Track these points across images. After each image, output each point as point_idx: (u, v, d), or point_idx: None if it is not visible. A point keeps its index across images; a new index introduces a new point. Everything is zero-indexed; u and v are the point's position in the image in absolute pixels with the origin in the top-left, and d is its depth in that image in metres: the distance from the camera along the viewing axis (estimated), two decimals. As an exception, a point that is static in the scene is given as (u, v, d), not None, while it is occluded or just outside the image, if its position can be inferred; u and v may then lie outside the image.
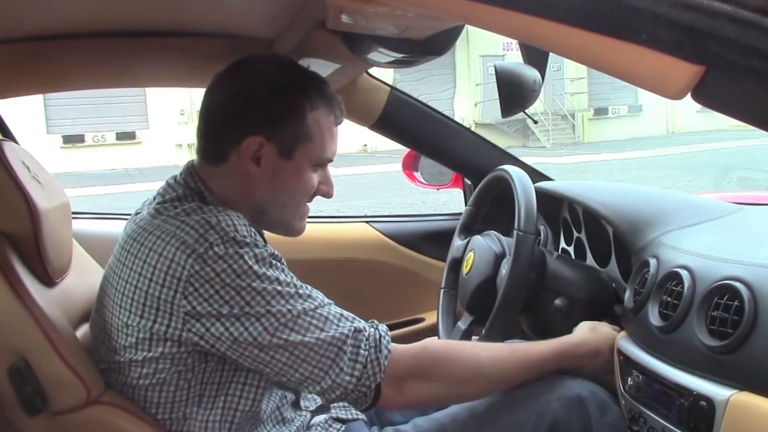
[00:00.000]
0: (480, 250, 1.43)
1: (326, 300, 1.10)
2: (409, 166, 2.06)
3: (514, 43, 1.03)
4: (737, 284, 0.95)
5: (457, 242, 1.57)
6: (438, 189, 2.12)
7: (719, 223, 1.29)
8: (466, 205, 1.69)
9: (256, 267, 1.04)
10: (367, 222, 2.02)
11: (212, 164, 1.17)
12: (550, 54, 1.30)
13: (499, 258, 1.37)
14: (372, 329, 1.09)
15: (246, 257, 1.04)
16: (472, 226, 1.57)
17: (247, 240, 1.06)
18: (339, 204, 9.78)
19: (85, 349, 1.18)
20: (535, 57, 1.41)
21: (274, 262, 1.07)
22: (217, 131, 1.16)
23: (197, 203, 1.12)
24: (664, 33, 0.54)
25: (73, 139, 18.54)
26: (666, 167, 13.07)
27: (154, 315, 1.06)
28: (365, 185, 12.38)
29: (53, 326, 1.14)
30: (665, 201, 1.47)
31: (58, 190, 1.34)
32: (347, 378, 1.05)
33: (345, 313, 1.10)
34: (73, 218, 1.42)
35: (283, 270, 1.08)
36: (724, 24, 0.52)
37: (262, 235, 1.29)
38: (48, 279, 1.22)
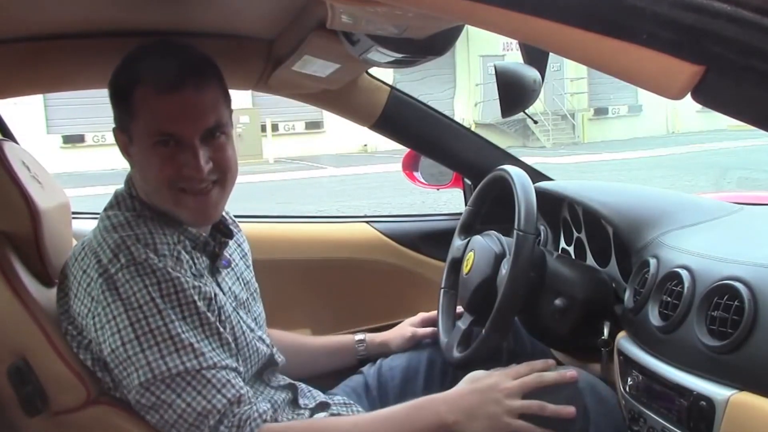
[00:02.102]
0: (480, 250, 1.43)
1: (216, 359, 1.06)
2: (409, 166, 2.06)
3: (514, 43, 1.03)
4: (737, 284, 0.95)
5: (457, 242, 1.57)
6: (438, 189, 2.12)
7: (719, 223, 1.29)
8: (466, 205, 1.69)
9: (158, 300, 1.04)
10: (367, 222, 2.02)
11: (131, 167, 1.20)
12: (550, 54, 1.30)
13: (499, 258, 1.37)
14: (244, 412, 1.05)
15: (150, 289, 1.04)
16: (472, 226, 1.57)
17: (158, 265, 1.05)
18: (339, 204, 9.78)
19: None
20: (535, 57, 1.41)
21: (179, 295, 1.06)
22: None
23: (131, 213, 1.15)
24: (664, 33, 0.54)
25: (73, 139, 18.54)
26: (666, 167, 13.06)
27: (84, 332, 1.11)
28: (365, 185, 12.38)
29: (53, 326, 1.14)
30: (665, 201, 1.47)
31: (58, 190, 1.34)
32: None
33: (231, 382, 1.06)
34: (73, 218, 1.42)
35: (187, 304, 1.06)
36: (724, 24, 0.52)
37: (226, 226, 1.29)
38: (48, 279, 1.22)
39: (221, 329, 1.09)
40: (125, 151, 1.18)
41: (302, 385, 1.36)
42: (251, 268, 1.39)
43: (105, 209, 1.19)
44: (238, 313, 1.22)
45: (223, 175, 1.16)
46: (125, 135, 1.16)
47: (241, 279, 1.31)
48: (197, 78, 1.12)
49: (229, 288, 1.24)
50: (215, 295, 1.15)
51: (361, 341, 1.56)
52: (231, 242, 1.29)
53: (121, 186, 1.22)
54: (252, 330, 1.26)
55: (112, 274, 1.05)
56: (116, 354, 1.05)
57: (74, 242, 1.37)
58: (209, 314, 1.08)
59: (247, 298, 1.31)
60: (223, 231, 1.28)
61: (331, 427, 1.13)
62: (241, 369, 1.11)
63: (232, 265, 1.30)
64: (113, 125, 1.18)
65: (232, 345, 1.11)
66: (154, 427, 1.10)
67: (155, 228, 1.12)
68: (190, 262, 1.15)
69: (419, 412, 1.13)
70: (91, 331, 1.09)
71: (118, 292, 1.04)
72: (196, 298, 1.08)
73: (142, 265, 1.05)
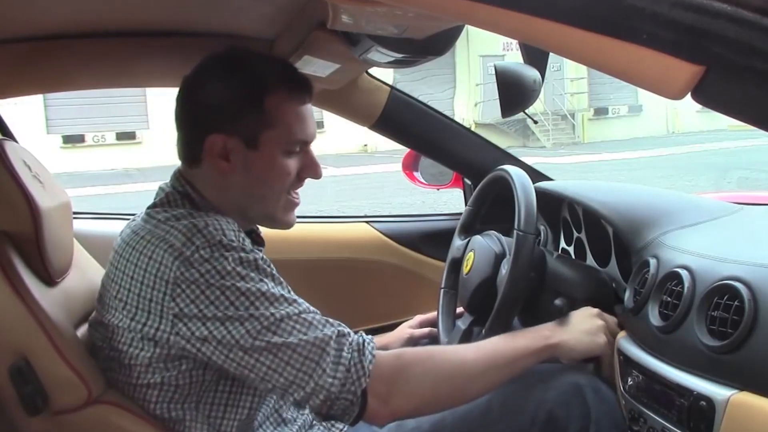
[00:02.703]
0: (480, 250, 1.43)
1: (311, 308, 1.09)
2: (409, 166, 2.06)
3: (514, 43, 1.03)
4: (737, 284, 0.95)
5: (457, 242, 1.57)
6: (438, 189, 2.12)
7: (719, 223, 1.29)
8: (466, 205, 1.69)
9: (239, 269, 1.04)
10: (367, 222, 2.02)
11: (191, 167, 1.19)
12: (550, 54, 1.30)
13: (499, 258, 1.37)
14: (356, 336, 1.08)
15: (230, 259, 1.04)
16: (472, 226, 1.57)
17: (234, 244, 1.06)
18: (339, 204, 9.78)
19: (86, 349, 1.18)
20: (535, 57, 1.41)
21: (260, 265, 1.07)
22: (184, 136, 1.19)
23: (187, 209, 1.14)
24: (664, 33, 0.54)
25: (73, 139, 18.54)
26: (666, 167, 13.06)
27: (144, 317, 1.07)
28: (365, 185, 12.38)
29: (54, 326, 1.14)
30: (665, 201, 1.47)
31: (59, 190, 1.34)
32: (330, 380, 1.03)
33: (330, 319, 1.09)
34: (74, 218, 1.42)
35: (270, 275, 1.08)
36: (724, 24, 0.52)
37: (258, 235, 1.31)
38: (49, 279, 1.22)
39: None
40: (224, 156, 1.14)
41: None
42: None
43: (153, 206, 1.17)
44: None
45: None
46: (238, 140, 1.14)
47: None
48: (312, 90, 1.20)
49: None
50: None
51: None
52: None
53: (164, 182, 1.21)
54: None
55: (188, 256, 1.04)
56: (211, 323, 1.02)
57: (75, 242, 1.38)
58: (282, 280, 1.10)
59: None
60: (255, 239, 1.30)
61: (450, 350, 1.21)
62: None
63: None
64: (203, 130, 1.15)
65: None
66: (152, 420, 1.09)
67: (219, 218, 1.10)
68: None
69: (527, 332, 1.21)
70: (167, 315, 1.05)
71: (200, 270, 1.03)
72: (272, 269, 1.09)
73: (216, 245, 1.05)
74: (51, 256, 1.21)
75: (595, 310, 1.26)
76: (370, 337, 1.10)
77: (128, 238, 1.13)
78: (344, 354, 1.04)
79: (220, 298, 1.03)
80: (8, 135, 1.61)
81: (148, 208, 1.18)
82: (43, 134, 17.20)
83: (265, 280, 1.06)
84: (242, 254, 1.06)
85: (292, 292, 1.09)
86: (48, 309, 1.15)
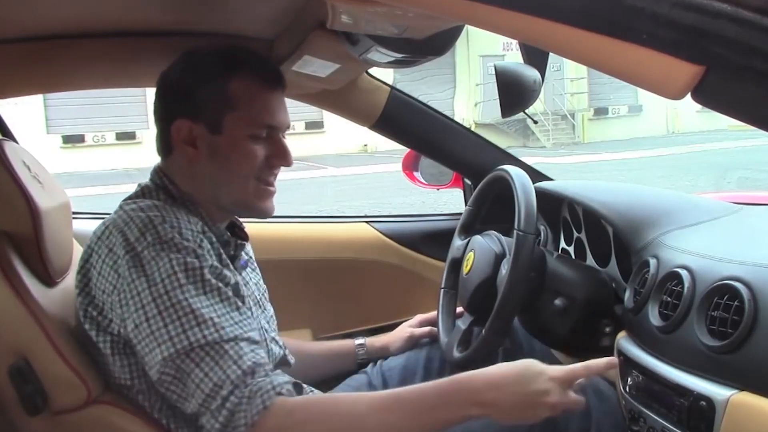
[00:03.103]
0: (480, 250, 1.43)
1: (240, 331, 1.04)
2: (409, 166, 2.06)
3: (514, 43, 1.03)
4: (737, 284, 0.95)
5: (457, 242, 1.57)
6: (438, 189, 2.12)
7: (719, 223, 1.29)
8: (466, 205, 1.69)
9: (181, 276, 1.04)
10: (367, 222, 2.02)
11: (166, 158, 1.21)
12: (550, 54, 1.30)
13: (499, 258, 1.37)
14: (263, 379, 1.01)
15: (174, 263, 1.04)
16: (472, 226, 1.57)
17: (185, 244, 1.06)
18: (339, 204, 9.78)
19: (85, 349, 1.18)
20: (535, 57, 1.41)
21: (205, 275, 1.06)
22: (158, 126, 1.22)
23: (161, 201, 1.15)
24: (664, 33, 0.54)
25: (73, 139, 18.53)
26: (666, 167, 13.06)
27: (106, 311, 1.10)
28: (365, 185, 12.38)
29: (54, 326, 1.14)
30: (665, 201, 1.47)
31: (58, 190, 1.34)
32: (212, 421, 1.00)
33: (247, 353, 1.02)
34: (74, 218, 1.42)
35: (212, 288, 1.06)
36: (724, 24, 0.52)
37: (241, 230, 1.31)
38: (49, 279, 1.22)
39: (239, 304, 1.09)
40: (189, 142, 1.16)
41: (305, 386, 1.36)
42: (257, 270, 1.40)
43: (128, 198, 1.19)
44: (255, 312, 1.23)
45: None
46: (202, 125, 1.16)
47: (252, 281, 1.32)
48: (284, 80, 1.22)
49: (245, 287, 1.25)
50: (237, 283, 1.15)
51: (361, 345, 1.56)
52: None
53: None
54: (266, 330, 1.26)
55: (138, 251, 1.05)
56: (140, 329, 1.04)
57: (75, 242, 1.38)
58: (228, 291, 1.09)
59: (260, 299, 1.32)
60: (238, 234, 1.30)
61: (346, 405, 1.07)
62: (261, 342, 1.10)
63: (246, 267, 1.31)
64: (169, 116, 1.18)
65: (254, 320, 1.12)
66: (175, 404, 1.08)
67: (181, 216, 1.12)
68: (218, 251, 1.15)
69: (451, 399, 1.04)
70: (115, 308, 1.08)
71: (144, 269, 1.04)
72: (215, 276, 1.08)
73: (168, 243, 1.05)
74: (51, 257, 1.21)
75: (550, 369, 1.05)
76: (279, 384, 1.01)
77: (98, 230, 1.15)
78: (232, 399, 0.99)
79: (150, 304, 1.03)
80: (8, 135, 1.61)
81: (122, 200, 1.19)
82: (43, 134, 17.20)
83: (202, 295, 1.04)
84: (189, 259, 1.05)
85: (225, 302, 1.06)
86: (48, 309, 1.16)
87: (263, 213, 1.23)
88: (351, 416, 1.03)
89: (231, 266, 1.18)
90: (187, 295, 1.03)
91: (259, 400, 0.99)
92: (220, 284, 1.08)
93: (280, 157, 1.19)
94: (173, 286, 1.03)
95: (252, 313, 1.18)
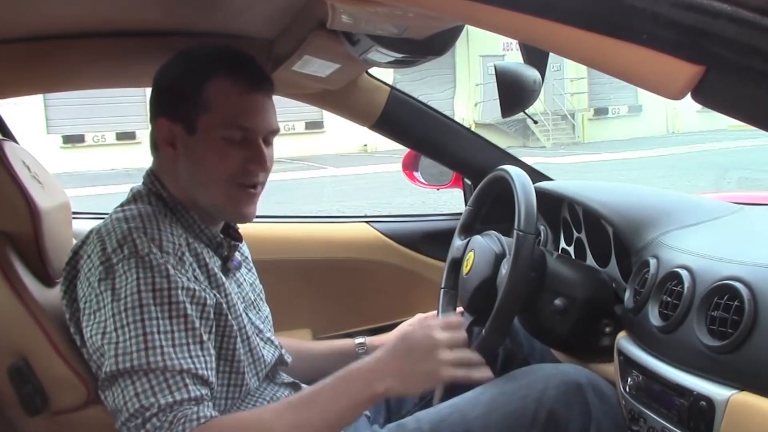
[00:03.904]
0: (480, 250, 1.43)
1: (191, 366, 1.02)
2: (409, 166, 2.06)
3: (514, 43, 1.03)
4: (737, 284, 0.95)
5: (457, 242, 1.57)
6: (438, 189, 2.12)
7: (719, 223, 1.29)
8: (466, 205, 1.69)
9: (148, 295, 1.03)
10: (367, 222, 2.02)
11: (155, 158, 1.21)
12: (550, 54, 1.30)
13: (499, 258, 1.37)
14: (188, 408, 1.00)
15: (142, 283, 1.03)
16: (472, 226, 1.57)
17: (160, 260, 1.05)
18: (339, 204, 9.78)
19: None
20: (535, 57, 1.41)
21: (172, 297, 1.05)
22: (150, 124, 1.22)
23: (145, 206, 1.15)
24: (664, 33, 0.54)
25: (73, 139, 18.54)
26: (666, 167, 13.06)
27: (82, 315, 1.10)
28: (365, 185, 12.38)
29: (54, 326, 1.14)
30: (665, 201, 1.47)
31: (58, 190, 1.34)
32: None
33: (187, 387, 1.01)
34: (73, 218, 1.42)
35: (177, 313, 1.04)
36: (724, 24, 0.52)
37: (235, 231, 1.31)
38: (48, 279, 1.22)
39: (204, 338, 1.07)
40: (169, 142, 1.17)
41: (304, 385, 1.36)
42: (253, 270, 1.39)
43: (120, 205, 1.19)
44: (247, 314, 1.22)
45: (267, 176, 1.21)
46: (181, 125, 1.16)
47: (246, 281, 1.32)
48: (267, 82, 1.20)
49: (238, 289, 1.25)
50: (219, 303, 1.14)
51: (361, 344, 1.56)
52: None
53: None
54: (261, 331, 1.26)
55: (113, 263, 1.05)
56: (93, 341, 1.05)
57: (74, 242, 1.38)
58: (197, 320, 1.07)
59: (255, 299, 1.31)
60: (232, 234, 1.30)
61: (254, 419, 1.08)
62: (213, 383, 1.07)
63: (240, 267, 1.31)
64: (153, 115, 1.19)
65: (211, 357, 1.08)
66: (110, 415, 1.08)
67: (165, 226, 1.11)
68: (203, 261, 1.15)
69: (349, 385, 1.08)
70: (83, 315, 1.09)
71: (113, 282, 1.04)
72: (186, 300, 1.06)
73: (143, 258, 1.05)
74: (50, 257, 1.22)
75: (430, 327, 1.13)
76: (205, 417, 1.00)
77: (84, 236, 1.16)
78: (153, 421, 0.98)
79: (109, 319, 1.03)
80: (8, 135, 1.61)
81: (115, 207, 1.19)
82: (43, 134, 17.20)
83: (165, 319, 1.03)
84: (158, 279, 1.04)
85: (188, 331, 1.05)
86: (47, 309, 1.16)
87: (240, 217, 1.21)
88: (260, 425, 1.05)
89: (219, 273, 1.17)
90: (145, 316, 1.02)
91: (181, 426, 0.98)
92: (189, 310, 1.06)
93: (255, 161, 1.16)
94: (134, 304, 1.03)
95: (239, 322, 1.17)
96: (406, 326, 1.59)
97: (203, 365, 1.04)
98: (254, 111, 1.16)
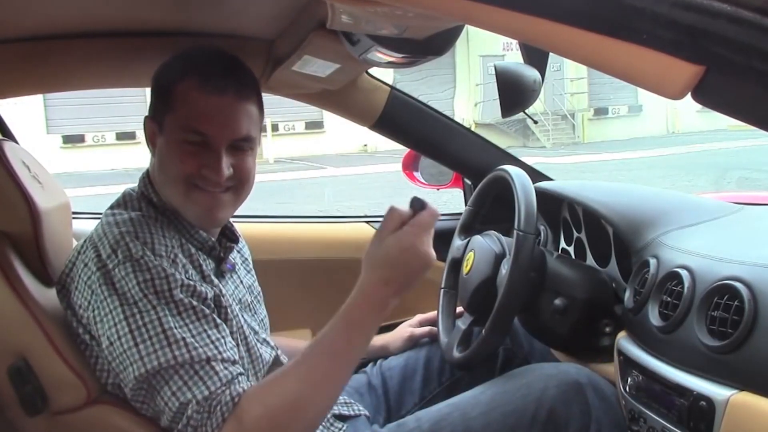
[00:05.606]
0: (480, 250, 1.43)
1: (216, 352, 1.04)
2: (409, 166, 2.06)
3: (514, 43, 1.03)
4: (737, 284, 0.95)
5: (457, 242, 1.57)
6: (438, 189, 2.12)
7: (719, 223, 1.29)
8: (466, 205, 1.69)
9: (152, 297, 1.04)
10: (367, 222, 2.02)
11: (150, 159, 1.21)
12: (550, 54, 1.30)
13: (499, 258, 1.37)
14: (221, 392, 1.01)
15: (144, 285, 1.04)
16: (472, 226, 1.57)
17: (154, 262, 1.06)
18: (339, 204, 9.78)
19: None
20: (535, 57, 1.41)
21: (175, 296, 1.05)
22: None
23: (135, 212, 1.15)
24: (664, 33, 0.54)
25: (73, 139, 18.54)
26: (666, 167, 13.06)
27: (89, 326, 1.11)
28: (365, 185, 12.38)
29: (53, 326, 1.14)
30: (665, 201, 1.47)
31: (58, 190, 1.34)
32: None
33: (217, 372, 1.03)
34: (73, 218, 1.42)
35: (181, 309, 1.05)
36: (724, 24, 0.52)
37: (232, 231, 1.31)
38: (48, 279, 1.22)
39: (218, 321, 1.09)
40: (151, 140, 1.19)
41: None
42: (253, 272, 1.39)
43: (110, 207, 1.19)
44: (242, 316, 1.22)
45: (240, 183, 1.17)
46: (156, 124, 1.17)
47: (243, 283, 1.31)
48: (241, 87, 1.14)
49: (233, 291, 1.25)
50: (217, 296, 1.14)
51: None
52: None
53: (127, 186, 1.22)
54: (257, 333, 1.26)
55: (110, 269, 1.06)
56: (114, 347, 1.05)
57: (74, 242, 1.38)
58: (205, 308, 1.08)
59: (252, 301, 1.31)
60: (228, 236, 1.30)
61: (278, 374, 1.07)
62: (238, 360, 1.09)
63: (236, 269, 1.30)
64: (140, 117, 1.20)
65: (229, 337, 1.10)
66: (152, 420, 1.10)
67: (156, 230, 1.12)
68: (197, 262, 1.15)
69: (355, 330, 1.06)
70: (91, 324, 1.10)
71: (115, 287, 1.05)
72: (188, 294, 1.07)
73: (138, 261, 1.06)
74: (50, 257, 1.21)
75: (382, 235, 1.08)
76: (238, 394, 1.02)
77: (78, 244, 1.16)
78: (195, 416, 1.00)
79: (122, 322, 1.04)
80: (8, 135, 1.61)
81: (107, 208, 1.19)
82: (43, 134, 17.22)
83: (176, 315, 1.04)
84: (158, 280, 1.05)
85: (201, 320, 1.06)
86: (47, 309, 1.16)
87: (204, 219, 1.18)
88: (292, 393, 1.03)
89: (212, 275, 1.17)
90: (160, 314, 1.03)
91: (219, 413, 1.01)
92: (194, 302, 1.07)
93: (211, 168, 1.12)
94: (146, 307, 1.04)
95: (237, 323, 1.17)
96: (405, 327, 1.59)
97: (225, 346, 1.06)
98: (214, 116, 1.12)
